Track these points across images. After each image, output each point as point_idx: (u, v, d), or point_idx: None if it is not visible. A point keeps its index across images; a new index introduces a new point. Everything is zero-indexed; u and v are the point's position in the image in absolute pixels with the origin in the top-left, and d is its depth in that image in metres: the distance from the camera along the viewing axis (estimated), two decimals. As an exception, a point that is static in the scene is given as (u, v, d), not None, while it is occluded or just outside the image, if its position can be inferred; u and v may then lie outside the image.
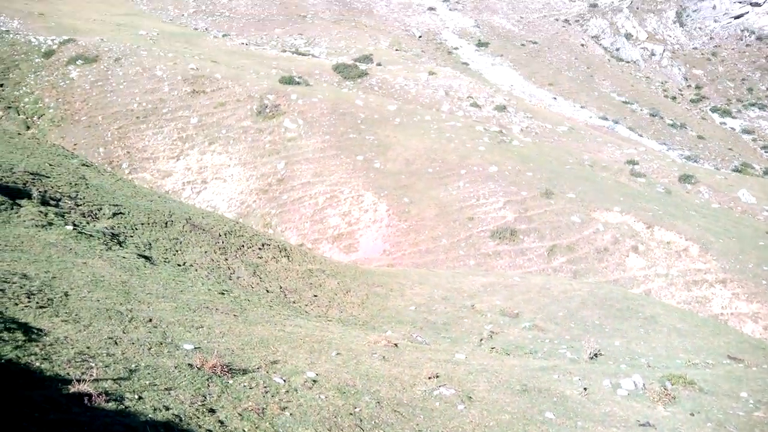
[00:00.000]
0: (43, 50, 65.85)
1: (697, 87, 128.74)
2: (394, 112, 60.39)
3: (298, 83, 64.12)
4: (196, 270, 18.74)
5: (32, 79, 61.45)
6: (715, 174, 69.37)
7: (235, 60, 74.02)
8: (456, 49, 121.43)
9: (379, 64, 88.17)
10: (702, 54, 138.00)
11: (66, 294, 10.95)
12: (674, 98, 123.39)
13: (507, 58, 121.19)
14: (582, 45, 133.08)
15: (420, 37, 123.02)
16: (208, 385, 8.77)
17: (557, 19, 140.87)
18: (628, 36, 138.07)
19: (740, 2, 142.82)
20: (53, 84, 60.38)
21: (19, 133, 30.05)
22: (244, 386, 9.21)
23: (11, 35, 70.01)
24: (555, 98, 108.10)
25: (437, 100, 74.00)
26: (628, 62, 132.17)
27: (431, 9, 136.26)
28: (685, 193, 59.30)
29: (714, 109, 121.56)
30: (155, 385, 8.18)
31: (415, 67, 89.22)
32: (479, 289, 28.27)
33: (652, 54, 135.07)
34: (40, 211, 16.26)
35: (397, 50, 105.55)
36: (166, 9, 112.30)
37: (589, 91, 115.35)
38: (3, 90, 59.55)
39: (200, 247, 20.86)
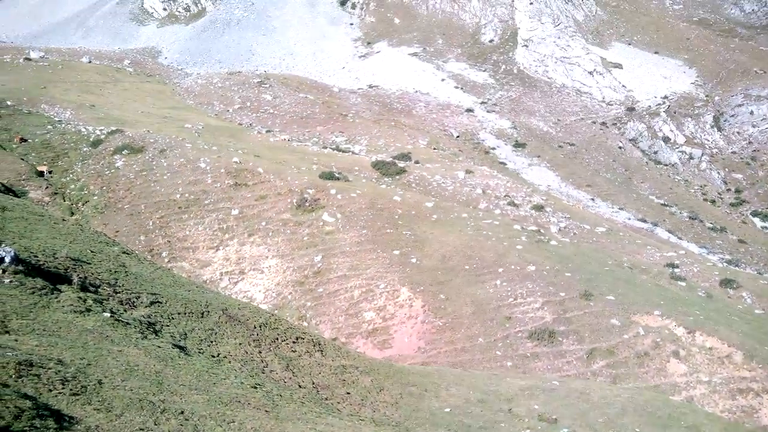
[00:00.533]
0: (91, 140, 68.44)
1: (737, 191, 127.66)
2: (431, 209, 60.72)
3: (338, 179, 65.14)
4: (230, 362, 18.53)
5: (79, 167, 63.59)
6: (759, 279, 67.70)
7: (278, 155, 75.81)
8: (493, 149, 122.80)
9: (417, 162, 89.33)
10: (741, 158, 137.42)
11: (100, 382, 10.84)
12: (713, 202, 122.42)
13: (544, 159, 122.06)
14: (620, 147, 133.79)
15: (458, 137, 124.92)
16: (238, 484, 8.47)
17: (594, 122, 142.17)
18: (666, 139, 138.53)
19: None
20: (99, 172, 62.32)
21: (64, 219, 30.71)
22: (275, 486, 8.88)
23: (63, 125, 73.12)
24: (593, 199, 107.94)
25: (474, 197, 74.37)
26: (666, 165, 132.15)
27: (469, 110, 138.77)
28: (727, 298, 57.79)
29: (755, 213, 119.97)
30: (184, 481, 7.93)
31: (453, 165, 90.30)
32: (517, 393, 27.49)
33: (691, 157, 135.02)
34: (80, 297, 16.37)
35: (435, 149, 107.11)
36: (212, 104, 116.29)
37: (627, 193, 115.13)
38: (52, 176, 61.62)
39: (235, 339, 20.71)
